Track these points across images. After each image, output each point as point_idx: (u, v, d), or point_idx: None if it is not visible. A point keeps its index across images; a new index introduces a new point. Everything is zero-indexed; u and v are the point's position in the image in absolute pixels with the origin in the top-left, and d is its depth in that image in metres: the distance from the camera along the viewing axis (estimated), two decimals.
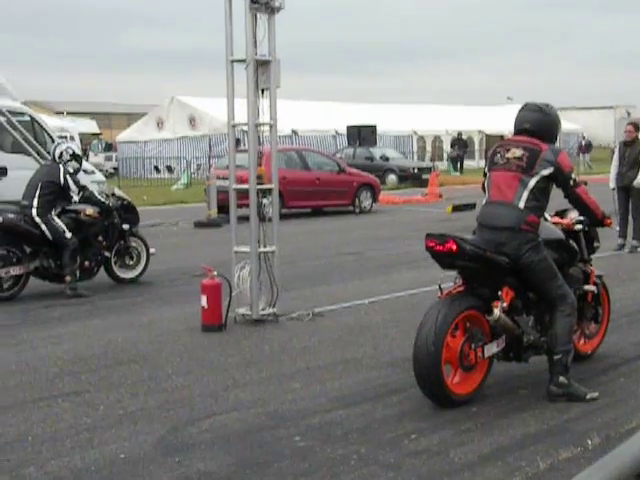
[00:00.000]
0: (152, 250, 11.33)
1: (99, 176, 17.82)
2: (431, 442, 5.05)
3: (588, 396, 5.75)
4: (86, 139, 45.12)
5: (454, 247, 5.56)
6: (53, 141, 14.15)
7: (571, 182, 5.86)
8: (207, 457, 4.89)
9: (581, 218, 6.36)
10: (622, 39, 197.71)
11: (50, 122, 23.37)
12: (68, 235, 10.20)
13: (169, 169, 39.05)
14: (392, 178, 32.22)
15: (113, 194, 11.20)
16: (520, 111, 6.05)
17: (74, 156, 10.68)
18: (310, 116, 40.07)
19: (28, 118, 15.90)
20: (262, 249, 8.47)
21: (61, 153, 10.60)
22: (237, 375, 6.61)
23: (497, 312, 5.60)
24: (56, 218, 10.26)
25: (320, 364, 6.89)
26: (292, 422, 5.46)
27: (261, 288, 8.48)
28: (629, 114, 50.07)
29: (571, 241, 6.34)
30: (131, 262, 11.15)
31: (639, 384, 6.18)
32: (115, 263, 10.97)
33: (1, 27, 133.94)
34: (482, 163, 30.29)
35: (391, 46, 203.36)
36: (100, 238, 10.70)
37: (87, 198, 10.62)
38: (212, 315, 8.15)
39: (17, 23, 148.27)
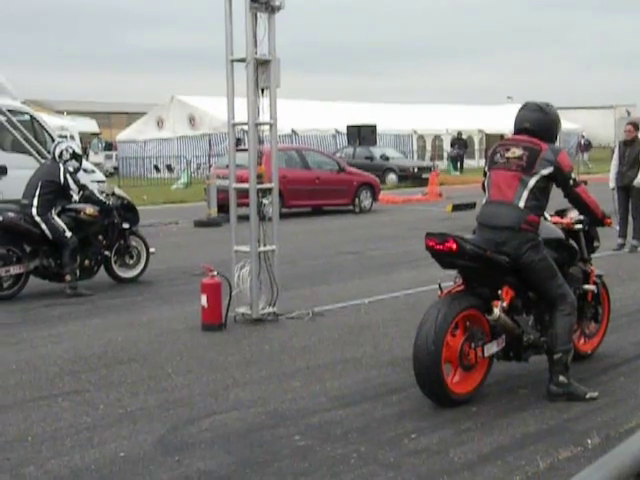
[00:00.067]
0: (152, 249, 11.33)
1: (99, 175, 17.80)
2: (431, 441, 5.05)
3: (588, 395, 5.75)
4: (86, 138, 45.08)
5: (454, 246, 5.56)
6: (53, 140, 14.13)
7: (571, 181, 5.86)
8: (207, 456, 4.89)
9: (581, 217, 6.36)
10: (622, 39, 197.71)
11: (50, 121, 23.31)
12: (68, 234, 10.20)
13: (169, 168, 39.02)
14: (392, 177, 32.21)
15: (113, 193, 11.19)
16: (520, 110, 6.05)
17: (74, 155, 10.68)
18: (310, 115, 40.06)
19: (28, 117, 15.89)
20: (262, 248, 8.47)
21: (61, 152, 10.59)
22: (237, 374, 6.61)
23: (497, 311, 5.60)
24: (56, 217, 10.26)
25: (320, 363, 6.89)
26: (292, 421, 5.46)
27: (261, 287, 8.48)
28: (629, 113, 50.07)
29: (571, 240, 6.34)
30: (131, 261, 11.15)
31: (639, 383, 6.19)
32: (115, 262, 10.97)
33: (1, 26, 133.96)
34: (482, 162, 30.26)
35: (391, 46, 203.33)
36: (100, 237, 10.70)
37: (87, 197, 10.62)
38: (212, 314, 8.15)
39: (17, 22, 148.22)
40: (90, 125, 51.14)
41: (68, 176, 10.38)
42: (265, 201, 8.53)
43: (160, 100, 44.21)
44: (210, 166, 29.46)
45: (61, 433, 5.33)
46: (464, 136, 43.37)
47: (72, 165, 10.62)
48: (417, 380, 5.64)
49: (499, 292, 5.70)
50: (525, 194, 5.72)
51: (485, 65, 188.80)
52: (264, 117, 8.41)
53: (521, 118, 5.99)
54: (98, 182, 14.89)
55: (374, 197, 22.34)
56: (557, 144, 6.14)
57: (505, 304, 5.71)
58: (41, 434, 5.32)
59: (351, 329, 8.11)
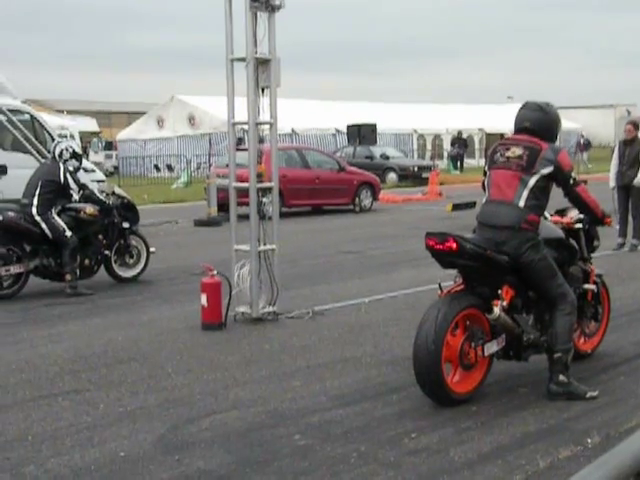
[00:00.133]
0: (152, 249, 11.33)
1: (99, 175, 17.82)
2: (431, 440, 5.05)
3: (588, 395, 5.75)
4: (86, 137, 45.14)
5: (454, 246, 5.56)
6: (53, 139, 14.13)
7: (571, 181, 5.86)
8: (207, 455, 4.89)
9: (581, 217, 6.36)
10: (622, 38, 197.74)
11: (50, 121, 23.31)
12: (68, 234, 10.20)
13: (169, 168, 39.02)
14: (392, 177, 32.21)
15: (113, 193, 11.19)
16: (520, 110, 6.05)
17: (74, 154, 10.68)
18: (310, 115, 40.06)
19: (28, 117, 15.89)
20: (262, 247, 8.47)
21: (61, 151, 10.59)
22: (237, 374, 6.61)
23: (497, 311, 5.60)
24: (56, 216, 10.26)
25: (320, 363, 6.89)
26: (292, 421, 5.46)
27: (261, 287, 8.48)
28: (629, 113, 50.06)
29: (571, 240, 6.34)
30: (131, 261, 11.14)
31: (639, 383, 6.18)
32: (115, 262, 10.97)
33: (1, 26, 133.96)
34: (482, 162, 30.26)
35: (391, 45, 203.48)
36: (100, 237, 10.70)
37: (87, 197, 10.62)
38: (212, 314, 8.15)
39: (17, 22, 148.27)
40: (90, 124, 51.20)
41: (68, 175, 10.38)
42: (265, 200, 8.53)
43: (160, 99, 44.27)
44: (210, 165, 29.46)
45: (61, 432, 5.33)
46: (464, 135, 43.36)
47: (72, 164, 10.61)
48: (417, 379, 5.64)
49: (499, 291, 5.70)
50: (525, 193, 5.71)
51: (485, 65, 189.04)
52: (264, 116, 8.41)
53: (521, 117, 5.98)
54: (98, 181, 14.91)
55: (374, 196, 22.34)
56: (557, 143, 6.14)
57: (505, 303, 5.71)
58: (41, 433, 5.32)
59: (351, 328, 8.11)
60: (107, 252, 10.79)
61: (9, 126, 14.96)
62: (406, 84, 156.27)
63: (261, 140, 8.57)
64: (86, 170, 14.83)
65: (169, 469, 4.71)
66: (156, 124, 41.95)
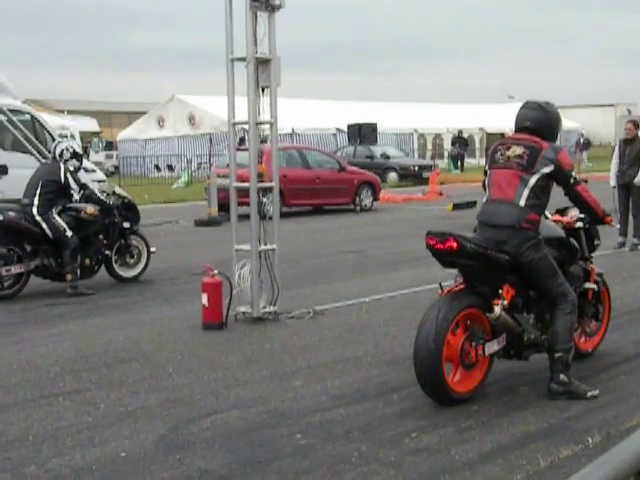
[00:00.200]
0: (153, 249, 11.33)
1: (100, 174, 17.84)
2: (432, 440, 5.05)
3: (589, 394, 5.74)
4: (87, 137, 45.13)
5: (455, 245, 5.56)
6: (54, 139, 14.14)
7: (571, 180, 5.86)
8: (208, 455, 4.89)
9: (582, 216, 6.36)
10: (623, 37, 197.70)
11: (50, 121, 23.30)
12: (69, 233, 10.20)
13: (170, 167, 39.05)
14: (393, 176, 32.22)
15: (114, 192, 11.19)
16: (521, 109, 6.05)
17: (75, 154, 10.68)
18: (311, 114, 40.07)
19: (29, 117, 15.90)
20: (263, 247, 8.47)
21: (62, 151, 10.60)
22: (238, 373, 6.61)
23: (498, 310, 5.60)
24: (57, 216, 10.26)
25: (321, 362, 6.89)
26: (293, 420, 5.46)
27: (262, 286, 8.48)
28: (630, 112, 50.07)
29: (572, 239, 6.33)
30: (132, 261, 11.14)
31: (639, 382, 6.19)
32: (116, 262, 10.97)
33: (2, 26, 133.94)
34: (483, 161, 30.26)
35: (392, 44, 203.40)
36: (101, 237, 10.71)
37: (88, 196, 10.62)
38: (213, 313, 8.15)
39: (18, 22, 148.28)
40: (91, 124, 51.22)
41: (69, 175, 10.38)
42: (265, 200, 8.53)
43: (161, 99, 44.29)
44: (211, 165, 29.47)
45: (62, 432, 5.33)
46: (465, 135, 43.38)
47: (73, 164, 10.62)
48: (418, 379, 5.64)
49: (500, 291, 5.69)
50: (526, 193, 5.71)
51: (485, 64, 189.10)
52: (264, 116, 8.41)
53: (522, 117, 5.98)
54: (99, 181, 14.94)
55: (375, 196, 22.34)
56: (558, 143, 6.14)
57: (506, 303, 5.70)
58: (42, 433, 5.32)
59: (352, 328, 8.11)
60: (108, 252, 10.79)
61: (9, 126, 14.97)
62: (406, 84, 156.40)
63: (263, 140, 8.57)
64: (87, 170, 14.85)
65: (170, 469, 4.71)
66: (156, 124, 41.98)
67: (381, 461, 4.74)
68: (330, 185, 21.26)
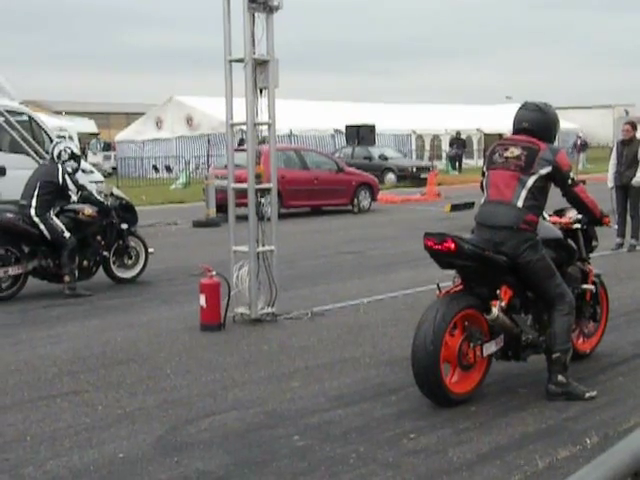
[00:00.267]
0: (151, 250, 11.32)
1: (97, 176, 17.82)
2: (430, 441, 5.05)
3: (587, 395, 5.75)
4: (84, 139, 45.07)
5: (452, 246, 5.56)
6: (51, 141, 14.13)
7: (569, 181, 5.87)
8: (206, 456, 4.89)
9: (579, 217, 6.36)
10: (621, 39, 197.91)
11: (48, 122, 23.28)
12: (67, 235, 10.19)
13: (168, 169, 39.01)
14: (391, 177, 32.21)
15: (112, 194, 11.19)
16: (519, 110, 6.05)
17: (73, 155, 10.68)
18: (309, 115, 40.05)
19: (26, 118, 15.90)
20: (261, 248, 8.47)
21: (60, 152, 10.59)
22: (236, 374, 6.61)
23: (495, 311, 5.60)
24: (55, 218, 10.26)
25: (319, 363, 6.89)
26: (291, 421, 5.46)
27: (260, 287, 8.48)
28: (627, 113, 50.07)
29: (569, 240, 6.34)
30: (130, 262, 11.14)
31: (637, 383, 6.19)
32: (114, 263, 10.96)
33: (1, 26, 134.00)
34: (481, 162, 30.25)
35: (391, 45, 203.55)
36: (99, 238, 10.70)
37: (86, 198, 10.62)
38: (211, 315, 8.15)
39: (16, 22, 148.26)
40: (89, 125, 51.14)
41: (66, 176, 10.37)
42: (263, 201, 8.54)
43: (159, 100, 44.25)
44: (209, 166, 29.47)
45: (60, 434, 5.32)
46: (463, 136, 43.38)
47: (70, 165, 10.61)
48: (416, 380, 5.64)
49: (497, 292, 5.70)
50: (523, 194, 5.72)
51: (485, 65, 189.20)
52: (263, 117, 8.41)
53: (520, 118, 5.99)
54: (97, 182, 14.89)
55: (373, 197, 22.34)
56: (556, 144, 6.15)
57: (504, 304, 5.71)
58: (40, 435, 5.32)
59: (350, 329, 8.11)
60: (106, 253, 10.78)
61: (7, 127, 14.95)
62: (406, 84, 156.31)
63: (261, 141, 8.57)
64: (84, 171, 14.83)
65: (168, 470, 4.71)
66: (155, 125, 41.94)
67: (379, 462, 4.74)
68: (328, 186, 21.27)
